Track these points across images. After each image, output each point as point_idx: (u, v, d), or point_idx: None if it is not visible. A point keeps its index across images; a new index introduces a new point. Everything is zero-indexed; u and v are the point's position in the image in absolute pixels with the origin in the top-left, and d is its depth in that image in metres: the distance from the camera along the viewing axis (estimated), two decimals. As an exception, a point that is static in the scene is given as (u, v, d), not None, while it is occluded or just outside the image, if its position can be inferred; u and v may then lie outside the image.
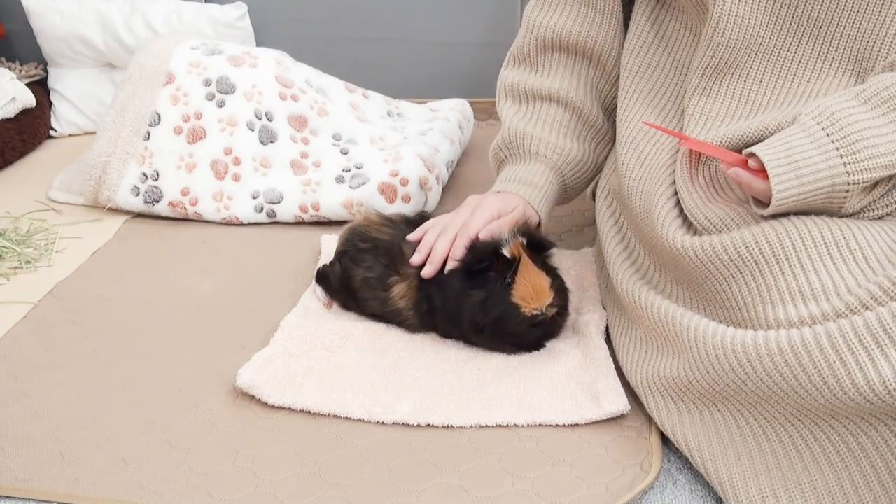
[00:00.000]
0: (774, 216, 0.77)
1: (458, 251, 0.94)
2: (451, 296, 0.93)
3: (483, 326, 0.92)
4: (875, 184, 0.77)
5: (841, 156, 0.74)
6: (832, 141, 0.74)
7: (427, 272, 0.95)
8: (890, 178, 0.77)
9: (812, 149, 0.75)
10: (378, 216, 1.06)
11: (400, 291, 0.97)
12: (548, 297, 0.90)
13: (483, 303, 0.91)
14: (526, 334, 0.92)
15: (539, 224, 1.02)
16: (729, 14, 0.85)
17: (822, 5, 0.83)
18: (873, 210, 0.78)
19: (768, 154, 0.76)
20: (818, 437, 0.69)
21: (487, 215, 0.96)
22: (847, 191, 0.75)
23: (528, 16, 1.07)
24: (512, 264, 0.90)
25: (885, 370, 0.62)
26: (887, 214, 0.79)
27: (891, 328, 0.63)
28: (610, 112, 1.09)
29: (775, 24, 0.85)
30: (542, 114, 1.06)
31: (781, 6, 0.84)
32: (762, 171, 0.76)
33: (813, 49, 0.86)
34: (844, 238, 0.73)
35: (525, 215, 0.99)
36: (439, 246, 0.95)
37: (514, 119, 1.06)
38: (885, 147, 0.73)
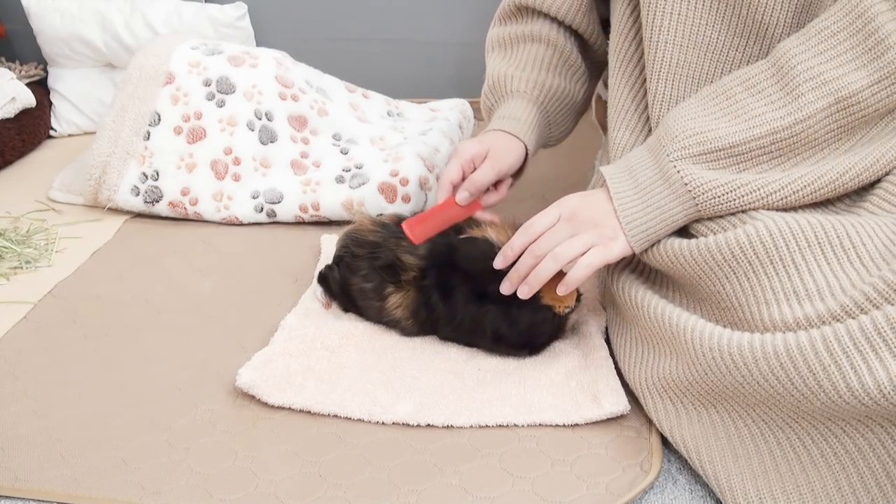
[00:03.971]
0: (767, 214, 0.78)
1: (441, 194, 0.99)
2: (461, 310, 0.92)
3: (506, 336, 0.91)
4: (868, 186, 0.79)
5: (658, 138, 0.85)
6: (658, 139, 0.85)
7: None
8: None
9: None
10: (370, 220, 1.04)
11: (396, 301, 0.96)
12: (575, 292, 0.91)
13: (506, 314, 0.90)
14: (556, 332, 0.95)
15: (526, 158, 1.03)
16: (671, 13, 0.86)
17: (765, 8, 0.84)
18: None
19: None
20: (815, 440, 0.69)
21: (458, 163, 0.99)
22: (668, 156, 0.81)
23: None
24: None
25: (879, 374, 0.62)
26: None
27: (885, 332, 0.62)
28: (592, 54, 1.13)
29: (721, 23, 0.86)
30: (523, 54, 1.08)
31: (726, 6, 0.85)
32: None
33: (760, 50, 0.87)
34: (838, 237, 0.73)
35: (501, 159, 1.00)
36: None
37: (496, 65, 1.09)
38: (694, 125, 0.82)
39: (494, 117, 1.06)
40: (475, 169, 1.00)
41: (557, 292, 0.86)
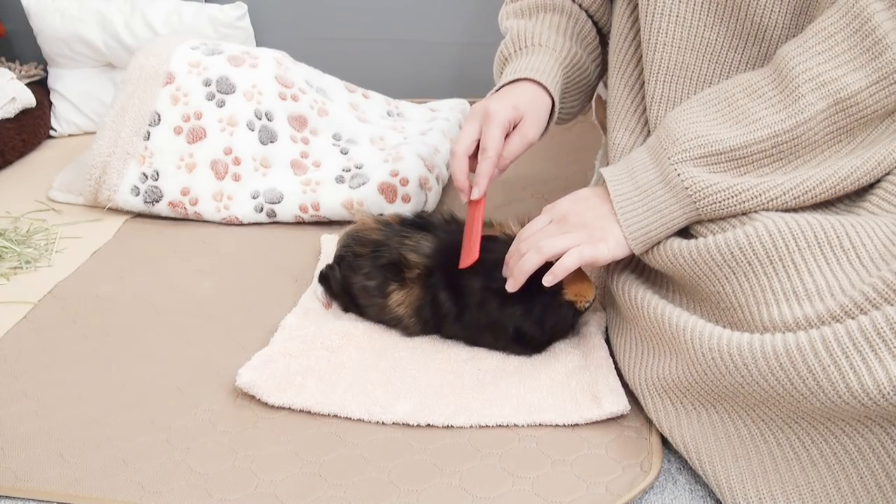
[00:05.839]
0: (767, 215, 0.78)
1: (484, 180, 0.91)
2: (474, 308, 0.92)
3: (530, 334, 0.91)
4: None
5: (659, 139, 0.83)
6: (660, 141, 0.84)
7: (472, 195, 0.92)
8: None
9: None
10: (373, 219, 1.04)
11: (398, 299, 0.96)
12: (593, 285, 0.92)
13: (528, 313, 0.90)
14: (571, 328, 0.96)
15: (552, 113, 0.97)
16: (669, 14, 0.85)
17: (763, 9, 0.83)
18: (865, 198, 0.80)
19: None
20: (815, 440, 0.69)
21: (499, 131, 0.91)
22: (669, 159, 0.80)
23: None
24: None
25: (879, 374, 0.62)
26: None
27: (885, 333, 0.63)
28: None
29: (720, 25, 0.86)
30: (544, 20, 1.03)
31: (724, 8, 0.85)
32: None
33: (759, 52, 0.86)
34: (838, 237, 0.73)
35: (532, 129, 0.93)
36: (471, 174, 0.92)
37: (517, 24, 1.05)
38: (696, 129, 0.81)
39: (515, 68, 0.98)
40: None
41: (543, 282, 0.85)
